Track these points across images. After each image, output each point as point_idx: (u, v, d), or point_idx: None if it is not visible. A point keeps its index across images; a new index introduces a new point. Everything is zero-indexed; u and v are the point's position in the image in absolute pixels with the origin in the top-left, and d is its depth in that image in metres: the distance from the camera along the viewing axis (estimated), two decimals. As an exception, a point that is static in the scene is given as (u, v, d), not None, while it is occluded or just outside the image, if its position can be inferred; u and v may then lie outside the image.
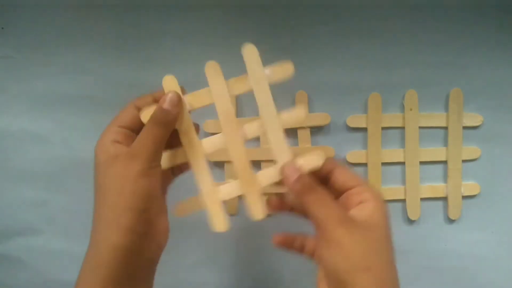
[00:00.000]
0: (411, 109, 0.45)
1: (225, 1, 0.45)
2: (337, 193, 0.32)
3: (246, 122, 0.33)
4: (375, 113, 0.45)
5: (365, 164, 0.46)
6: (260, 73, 0.33)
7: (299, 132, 0.45)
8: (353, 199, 0.31)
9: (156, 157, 0.32)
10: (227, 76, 0.45)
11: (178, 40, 0.45)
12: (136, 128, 0.33)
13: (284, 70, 0.34)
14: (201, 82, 0.46)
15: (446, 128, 0.46)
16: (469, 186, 0.46)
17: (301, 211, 0.35)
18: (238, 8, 0.45)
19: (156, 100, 0.34)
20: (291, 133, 0.45)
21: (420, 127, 0.46)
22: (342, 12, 0.45)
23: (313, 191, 0.31)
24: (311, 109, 0.46)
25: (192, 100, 0.34)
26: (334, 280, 0.29)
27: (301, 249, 0.35)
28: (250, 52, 0.33)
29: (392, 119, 0.46)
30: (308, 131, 0.45)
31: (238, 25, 0.45)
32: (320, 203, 0.30)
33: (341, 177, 0.32)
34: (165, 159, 0.33)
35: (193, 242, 0.47)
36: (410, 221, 0.46)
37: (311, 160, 0.32)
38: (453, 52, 0.46)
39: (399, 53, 0.46)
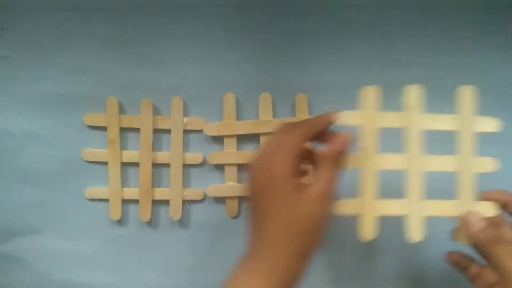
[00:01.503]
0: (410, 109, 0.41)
1: (225, 1, 0.45)
2: None
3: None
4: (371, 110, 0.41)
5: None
6: (179, 119, 0.45)
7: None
8: None
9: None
10: (224, 76, 0.46)
11: (178, 40, 0.45)
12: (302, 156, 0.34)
13: (197, 123, 0.45)
14: (201, 82, 0.46)
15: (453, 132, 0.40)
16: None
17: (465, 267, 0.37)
18: (238, 8, 0.45)
19: (321, 129, 0.35)
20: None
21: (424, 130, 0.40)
22: (342, 12, 0.45)
23: (502, 242, 0.34)
24: (309, 111, 0.46)
25: (125, 120, 0.45)
26: None
27: (465, 270, 0.37)
28: (176, 103, 0.44)
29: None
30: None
31: (238, 25, 0.45)
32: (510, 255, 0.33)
33: None
34: (89, 154, 0.45)
35: (193, 242, 0.47)
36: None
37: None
38: (453, 52, 0.46)
39: (399, 53, 0.46)
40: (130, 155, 0.45)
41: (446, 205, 0.37)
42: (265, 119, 0.45)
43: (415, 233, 0.37)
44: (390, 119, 0.38)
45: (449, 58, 0.46)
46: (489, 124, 0.38)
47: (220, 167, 0.46)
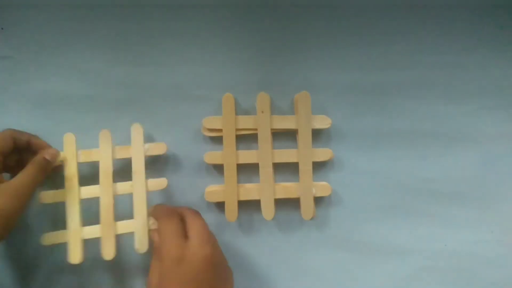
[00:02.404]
0: (262, 112, 0.43)
1: (225, 1, 0.45)
2: None
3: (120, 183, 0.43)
4: (229, 114, 0.44)
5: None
6: (140, 147, 0.43)
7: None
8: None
9: (32, 195, 0.39)
10: (224, 76, 0.46)
11: (178, 40, 0.45)
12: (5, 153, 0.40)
13: (158, 148, 0.43)
14: (200, 82, 0.46)
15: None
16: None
17: None
18: (238, 8, 0.45)
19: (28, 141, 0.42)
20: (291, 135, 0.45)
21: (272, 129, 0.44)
22: (342, 12, 0.45)
23: None
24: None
25: (83, 155, 0.43)
26: None
27: None
28: (136, 131, 0.43)
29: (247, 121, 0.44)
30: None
31: (238, 25, 0.45)
32: None
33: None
34: (47, 196, 0.42)
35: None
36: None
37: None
38: (453, 52, 0.46)
39: (399, 53, 0.46)
40: (89, 190, 0.43)
41: None
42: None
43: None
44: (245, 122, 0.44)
45: (449, 58, 0.46)
46: (322, 122, 0.44)
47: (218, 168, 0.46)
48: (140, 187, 0.42)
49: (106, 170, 0.42)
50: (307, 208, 0.43)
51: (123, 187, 0.43)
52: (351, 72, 0.46)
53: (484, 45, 0.46)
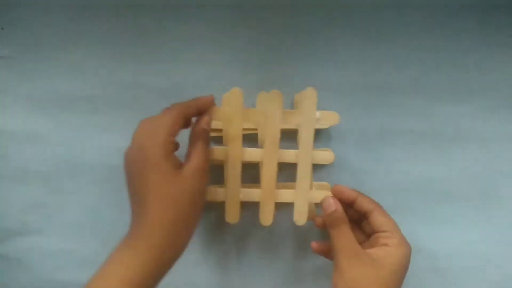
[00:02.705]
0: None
1: (225, 1, 0.45)
2: (371, 231, 0.39)
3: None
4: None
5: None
6: (312, 115, 0.40)
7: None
8: (380, 241, 0.37)
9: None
10: (225, 76, 0.46)
11: (178, 40, 0.45)
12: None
13: (331, 117, 0.42)
14: (200, 82, 0.46)
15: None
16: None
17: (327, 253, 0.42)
18: (238, 8, 0.45)
19: (200, 109, 0.39)
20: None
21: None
22: (343, 12, 0.45)
23: (339, 225, 0.37)
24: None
25: (248, 114, 0.41)
26: None
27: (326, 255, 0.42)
28: (310, 96, 0.40)
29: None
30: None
31: (238, 25, 0.45)
32: (341, 235, 0.37)
33: (378, 219, 0.38)
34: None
35: (193, 242, 0.47)
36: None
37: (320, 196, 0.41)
38: (453, 52, 0.46)
39: (399, 53, 0.46)
40: (250, 153, 0.41)
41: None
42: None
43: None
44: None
45: (449, 58, 0.46)
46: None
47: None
48: (307, 158, 0.41)
49: (272, 134, 0.41)
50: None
51: (288, 155, 0.41)
52: (351, 72, 0.46)
53: (484, 45, 0.46)
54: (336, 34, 0.46)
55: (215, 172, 0.43)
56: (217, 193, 0.42)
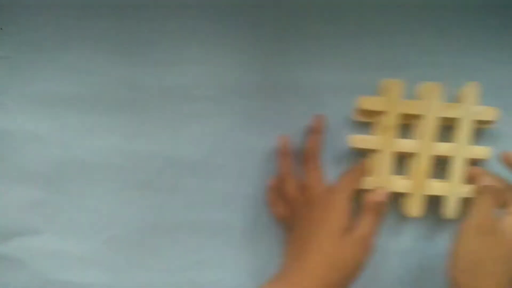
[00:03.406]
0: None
1: (225, 1, 0.45)
2: None
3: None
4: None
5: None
6: (472, 107, 0.41)
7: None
8: None
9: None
10: (222, 74, 0.45)
11: (178, 40, 0.45)
12: None
13: (489, 113, 0.41)
14: (200, 82, 0.46)
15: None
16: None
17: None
18: (238, 8, 0.45)
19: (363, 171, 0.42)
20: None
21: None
22: (342, 12, 0.45)
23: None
24: (308, 109, 0.45)
25: (406, 105, 0.41)
26: None
27: None
28: (471, 89, 0.41)
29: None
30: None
31: (238, 25, 0.45)
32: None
33: None
34: (359, 140, 0.42)
35: (194, 242, 0.47)
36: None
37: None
38: (453, 52, 0.46)
39: (399, 53, 0.45)
40: (405, 143, 0.42)
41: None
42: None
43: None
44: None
45: (449, 58, 0.46)
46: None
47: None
48: (463, 152, 0.41)
49: (429, 126, 0.41)
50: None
51: (444, 148, 0.41)
52: (351, 71, 0.46)
53: (484, 45, 0.46)
54: (339, 34, 0.45)
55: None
56: (371, 182, 0.42)
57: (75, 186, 0.46)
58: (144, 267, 0.47)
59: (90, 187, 0.46)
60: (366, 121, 0.44)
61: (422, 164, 0.41)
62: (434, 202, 0.43)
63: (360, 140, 0.42)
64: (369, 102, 0.42)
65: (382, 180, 0.42)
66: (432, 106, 0.41)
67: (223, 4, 0.45)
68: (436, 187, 0.42)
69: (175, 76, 0.46)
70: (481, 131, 0.44)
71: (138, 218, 0.46)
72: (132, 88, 0.45)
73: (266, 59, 0.46)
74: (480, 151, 0.42)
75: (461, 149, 0.41)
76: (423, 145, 0.41)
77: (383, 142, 0.42)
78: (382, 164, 0.42)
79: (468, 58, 0.46)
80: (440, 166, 0.43)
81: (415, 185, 0.42)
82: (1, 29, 0.45)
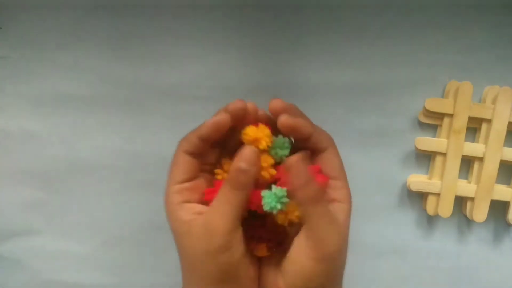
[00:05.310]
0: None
1: (225, 1, 0.45)
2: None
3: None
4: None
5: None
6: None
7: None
8: (329, 193, 0.30)
9: (236, 225, 0.28)
10: (222, 74, 0.45)
11: (178, 39, 0.45)
12: (196, 173, 0.31)
13: None
14: (200, 82, 0.46)
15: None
16: None
17: None
18: (238, 8, 0.45)
19: (201, 138, 0.31)
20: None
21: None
22: (343, 12, 0.45)
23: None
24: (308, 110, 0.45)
25: (476, 108, 0.42)
26: None
27: None
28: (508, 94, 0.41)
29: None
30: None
31: (238, 25, 0.45)
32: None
33: (328, 163, 0.31)
34: (424, 143, 0.43)
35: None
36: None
37: None
38: (453, 52, 0.46)
39: (399, 53, 0.46)
40: (472, 147, 0.42)
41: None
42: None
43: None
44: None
45: (449, 58, 0.46)
46: None
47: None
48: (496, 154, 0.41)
49: (499, 130, 0.41)
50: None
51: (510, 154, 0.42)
52: (350, 71, 0.46)
53: (484, 45, 0.46)
54: (339, 34, 0.45)
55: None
56: (430, 184, 0.42)
57: (75, 186, 0.46)
58: (144, 267, 0.47)
59: (90, 187, 0.46)
60: (431, 123, 0.44)
61: (489, 169, 0.42)
62: (497, 207, 0.44)
63: (427, 143, 0.43)
64: (437, 104, 0.42)
65: (449, 184, 0.42)
66: (503, 111, 0.41)
67: (223, 4, 0.45)
68: (503, 192, 0.42)
69: (175, 76, 0.46)
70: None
71: (138, 218, 0.46)
72: (131, 88, 0.45)
73: (266, 59, 0.46)
74: None
75: None
76: (491, 150, 0.42)
77: (451, 145, 0.42)
78: (449, 168, 0.42)
79: (469, 58, 0.46)
80: (507, 171, 0.43)
81: (481, 190, 0.42)
82: (1, 28, 0.45)
